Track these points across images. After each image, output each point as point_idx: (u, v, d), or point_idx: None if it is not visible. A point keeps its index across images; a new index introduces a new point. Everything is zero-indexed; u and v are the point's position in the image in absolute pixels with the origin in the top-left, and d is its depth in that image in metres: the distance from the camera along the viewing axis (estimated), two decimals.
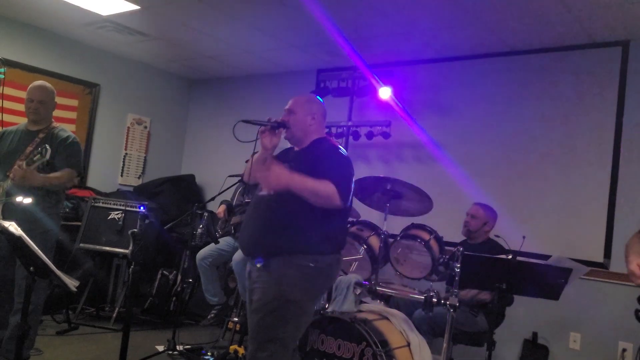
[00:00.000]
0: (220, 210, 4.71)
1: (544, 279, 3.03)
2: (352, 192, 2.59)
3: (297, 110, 2.75)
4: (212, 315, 4.68)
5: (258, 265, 2.54)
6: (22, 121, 3.66)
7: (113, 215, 5.03)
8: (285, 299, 2.46)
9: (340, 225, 2.66)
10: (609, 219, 4.10)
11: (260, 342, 2.47)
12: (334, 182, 2.43)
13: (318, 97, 5.20)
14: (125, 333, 3.14)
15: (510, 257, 3.22)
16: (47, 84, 3.60)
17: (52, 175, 3.38)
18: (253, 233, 2.60)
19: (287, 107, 2.79)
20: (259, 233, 2.56)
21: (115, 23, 5.16)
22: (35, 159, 3.15)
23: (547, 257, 3.41)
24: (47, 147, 3.16)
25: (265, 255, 2.54)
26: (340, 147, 2.74)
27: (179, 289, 5.09)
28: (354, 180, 2.63)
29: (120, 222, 4.98)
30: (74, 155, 3.52)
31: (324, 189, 2.42)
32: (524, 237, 3.51)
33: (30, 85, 3.54)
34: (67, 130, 3.61)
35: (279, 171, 2.41)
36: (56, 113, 3.66)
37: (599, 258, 4.09)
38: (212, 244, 4.54)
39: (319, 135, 2.79)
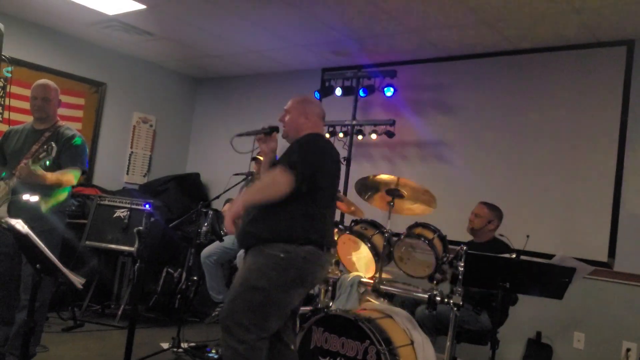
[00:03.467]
0: (226, 208, 4.73)
1: (548, 278, 3.03)
2: (316, 174, 2.54)
3: (291, 110, 2.82)
4: (217, 313, 4.70)
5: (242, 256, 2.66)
6: (28, 119, 3.66)
7: (118, 213, 5.05)
8: (250, 285, 2.48)
9: (312, 215, 2.58)
10: (613, 218, 4.09)
11: (227, 324, 2.48)
12: (286, 165, 2.46)
13: (316, 93, 5.36)
14: (130, 330, 3.15)
15: (514, 256, 3.22)
16: (50, 82, 3.60)
17: (58, 172, 3.38)
18: (241, 227, 2.65)
19: (285, 107, 2.86)
20: (245, 228, 2.62)
21: (122, 22, 5.19)
22: (41, 156, 3.15)
23: (551, 256, 3.40)
24: (53, 144, 3.16)
25: (246, 247, 2.64)
26: (319, 137, 2.73)
27: (183, 286, 5.10)
28: (326, 164, 2.62)
29: (126, 220, 5.00)
30: (79, 154, 3.52)
31: (267, 180, 2.53)
32: (527, 236, 3.51)
33: (34, 84, 3.55)
34: (73, 129, 3.61)
35: (234, 204, 2.48)
36: (63, 112, 3.67)
37: (603, 257, 4.08)
38: (217, 242, 4.56)
39: (307, 131, 2.78)
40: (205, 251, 4.62)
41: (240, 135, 2.83)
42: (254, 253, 2.57)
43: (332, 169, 2.69)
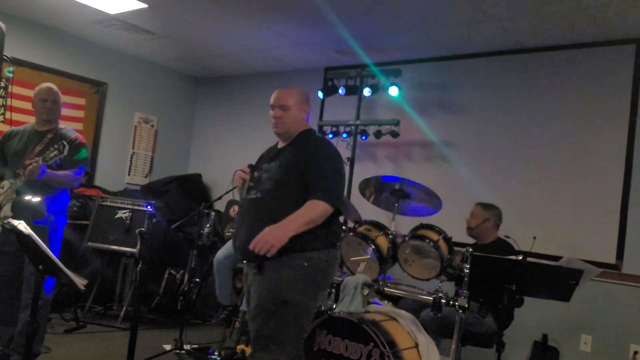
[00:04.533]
0: (233, 210, 4.70)
1: (555, 280, 2.99)
2: (343, 187, 2.64)
3: (292, 105, 2.68)
4: (224, 315, 4.64)
5: (253, 269, 2.57)
6: (30, 120, 3.69)
7: (120, 214, 5.04)
8: (282, 302, 2.45)
9: (329, 220, 2.57)
10: (621, 220, 4.05)
11: (262, 345, 2.47)
12: (323, 195, 2.46)
13: (320, 93, 5.30)
14: (133, 332, 3.13)
15: (520, 258, 3.18)
16: (54, 85, 3.64)
17: (62, 172, 3.39)
18: (245, 237, 2.56)
19: (276, 102, 2.69)
20: (251, 236, 2.50)
21: (123, 21, 5.17)
22: (52, 155, 3.17)
23: (558, 258, 3.36)
24: (65, 143, 3.19)
25: (258, 259, 2.51)
26: (328, 142, 2.74)
27: (186, 288, 5.09)
28: (343, 173, 2.64)
29: (128, 221, 4.99)
30: (81, 156, 3.53)
31: (316, 214, 2.46)
32: (534, 238, 3.47)
33: (41, 87, 3.58)
34: (74, 131, 3.65)
35: (275, 232, 2.41)
36: (64, 112, 3.72)
37: (611, 259, 4.04)
38: (228, 245, 4.51)
39: (305, 127, 2.76)
40: (219, 254, 4.53)
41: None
42: (273, 266, 2.49)
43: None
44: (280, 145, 2.77)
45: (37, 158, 3.17)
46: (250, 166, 2.76)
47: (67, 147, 3.16)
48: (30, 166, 3.13)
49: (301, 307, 2.48)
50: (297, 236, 2.44)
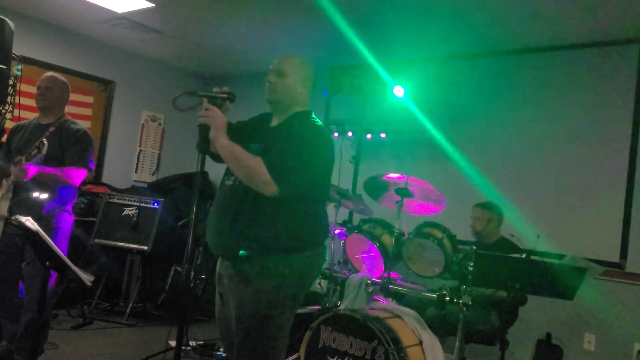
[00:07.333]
0: None
1: (559, 279, 3.00)
2: (312, 183, 2.23)
3: (289, 72, 2.31)
4: None
5: (228, 270, 2.29)
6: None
7: (127, 211, 5.07)
8: (263, 316, 2.18)
9: (313, 218, 2.29)
10: (625, 219, 4.05)
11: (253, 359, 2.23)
12: (271, 162, 2.11)
13: (325, 92, 5.11)
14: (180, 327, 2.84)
15: (524, 256, 3.20)
16: (58, 75, 3.55)
17: (56, 170, 3.25)
18: (219, 230, 2.27)
19: (274, 66, 2.33)
20: (226, 231, 2.24)
21: (131, 20, 5.20)
22: (32, 153, 3.04)
23: (561, 256, 3.38)
24: (45, 141, 3.04)
25: (234, 258, 2.25)
26: (322, 128, 2.33)
27: (192, 285, 5.12)
28: (326, 168, 2.30)
29: (135, 218, 5.02)
30: (82, 149, 3.38)
31: (249, 162, 2.16)
32: (538, 237, 3.48)
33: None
34: (79, 123, 3.50)
35: (220, 122, 2.20)
36: (71, 110, 3.64)
37: (615, 258, 4.04)
38: None
39: (303, 107, 2.36)
40: None
41: (192, 93, 2.37)
42: (251, 273, 2.20)
43: (332, 167, 2.38)
44: (274, 122, 2.39)
45: (20, 157, 3.03)
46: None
47: (45, 146, 3.00)
48: (12, 170, 3.04)
49: (284, 318, 2.23)
50: (275, 236, 2.17)
